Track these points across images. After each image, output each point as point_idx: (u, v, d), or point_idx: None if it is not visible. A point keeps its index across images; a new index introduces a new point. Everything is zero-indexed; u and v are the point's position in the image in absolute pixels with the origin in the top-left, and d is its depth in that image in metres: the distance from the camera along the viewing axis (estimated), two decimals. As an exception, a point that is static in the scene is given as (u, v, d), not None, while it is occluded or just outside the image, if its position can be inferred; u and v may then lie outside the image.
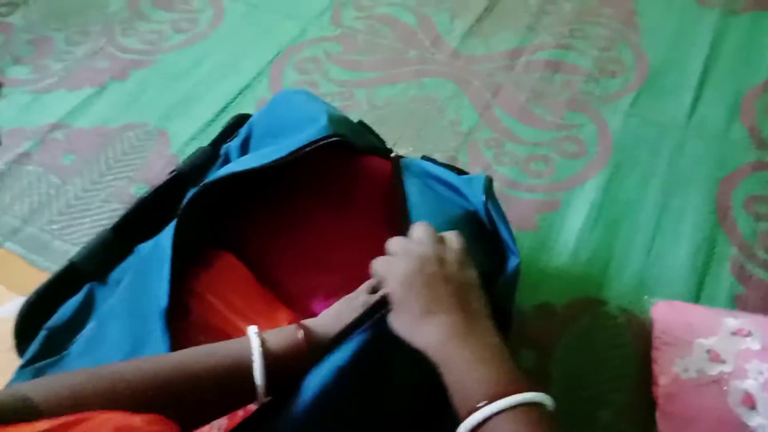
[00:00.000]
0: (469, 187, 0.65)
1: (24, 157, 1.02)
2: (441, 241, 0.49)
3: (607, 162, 0.99)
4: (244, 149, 0.74)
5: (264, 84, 1.14)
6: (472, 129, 1.05)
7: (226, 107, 1.10)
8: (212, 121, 1.08)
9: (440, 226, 0.53)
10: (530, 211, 0.93)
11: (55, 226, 0.92)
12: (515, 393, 0.40)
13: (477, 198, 0.64)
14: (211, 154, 0.77)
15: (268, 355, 0.45)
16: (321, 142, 0.62)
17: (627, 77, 1.13)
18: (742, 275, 0.85)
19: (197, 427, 0.45)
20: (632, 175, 0.97)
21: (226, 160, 0.77)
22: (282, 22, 1.27)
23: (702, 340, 0.75)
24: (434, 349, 0.44)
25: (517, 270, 0.61)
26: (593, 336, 0.80)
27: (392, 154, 0.70)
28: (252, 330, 0.47)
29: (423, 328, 0.45)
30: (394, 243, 0.50)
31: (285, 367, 0.46)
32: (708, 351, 0.74)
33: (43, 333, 0.61)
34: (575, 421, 0.73)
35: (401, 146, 1.02)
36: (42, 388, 0.37)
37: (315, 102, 0.74)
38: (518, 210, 0.93)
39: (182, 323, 0.59)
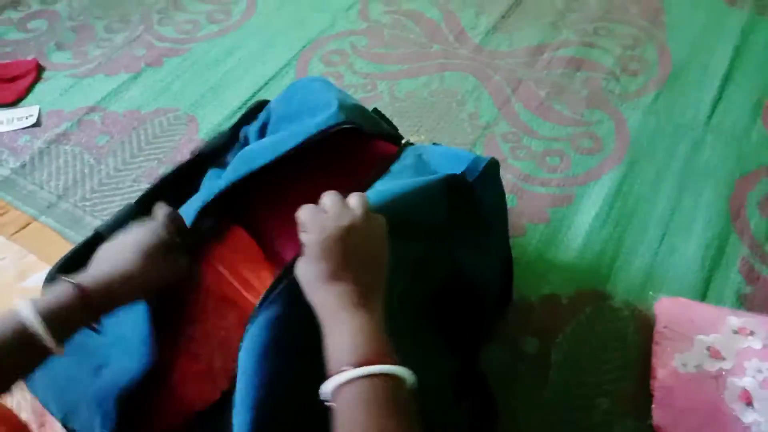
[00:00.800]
0: (456, 160, 0.67)
1: (62, 137, 1.08)
2: (346, 206, 0.52)
3: (622, 159, 1.00)
4: (261, 133, 0.78)
5: (290, 74, 1.18)
6: (490, 123, 1.07)
7: (253, 96, 1.14)
8: (239, 108, 1.12)
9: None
10: (543, 205, 0.95)
11: (87, 203, 0.98)
12: (378, 364, 0.43)
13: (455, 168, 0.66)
14: (230, 138, 0.80)
15: (41, 310, 0.49)
16: (331, 130, 0.65)
17: (649, 75, 1.13)
18: (750, 275, 0.85)
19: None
20: (647, 172, 0.98)
21: (245, 143, 0.80)
22: (311, 15, 1.31)
23: (703, 337, 0.76)
24: (326, 313, 0.48)
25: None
26: (596, 327, 0.81)
27: (402, 141, 0.72)
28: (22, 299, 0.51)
29: (323, 291, 0.49)
30: (306, 210, 0.53)
31: (61, 318, 0.50)
32: (708, 348, 0.75)
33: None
34: (575, 406, 0.74)
35: (417, 136, 1.04)
36: None
37: (329, 89, 0.77)
38: (531, 203, 0.95)
39: (194, 290, 0.64)
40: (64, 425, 0.64)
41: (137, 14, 1.32)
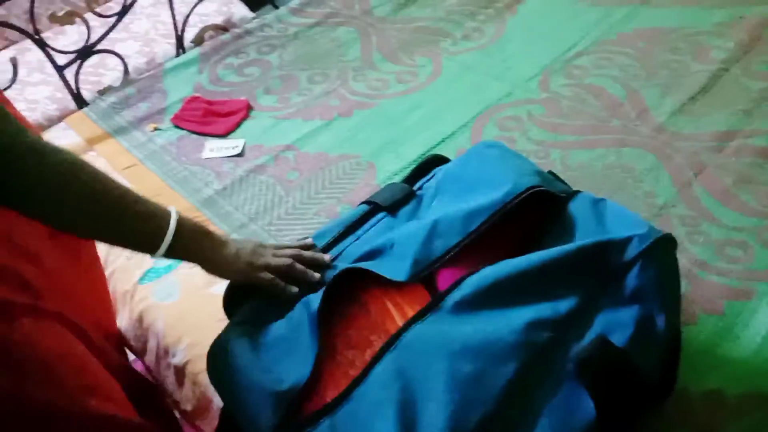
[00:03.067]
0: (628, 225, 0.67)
1: (260, 168, 1.22)
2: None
3: (816, 259, 0.92)
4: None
5: (466, 135, 1.24)
6: (667, 203, 1.04)
7: (428, 150, 1.21)
8: (414, 161, 1.19)
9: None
10: (718, 295, 0.90)
11: (272, 228, 1.09)
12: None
13: (621, 233, 0.66)
14: (407, 192, 0.86)
15: (180, 226, 0.69)
16: (522, 196, 0.69)
17: None
18: None
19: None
20: None
21: (419, 204, 0.86)
22: (491, 83, 1.37)
23: None
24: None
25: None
26: (765, 435, 0.74)
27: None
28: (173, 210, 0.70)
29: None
30: None
31: (186, 246, 0.70)
32: None
33: (249, 305, 0.74)
34: None
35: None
36: None
37: (504, 157, 0.81)
38: (705, 291, 0.90)
39: (361, 318, 0.69)
40: (227, 413, 0.71)
41: (336, 70, 1.47)
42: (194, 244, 0.71)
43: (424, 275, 0.70)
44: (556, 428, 0.55)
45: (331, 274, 0.73)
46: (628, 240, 0.64)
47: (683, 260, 0.94)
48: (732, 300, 0.89)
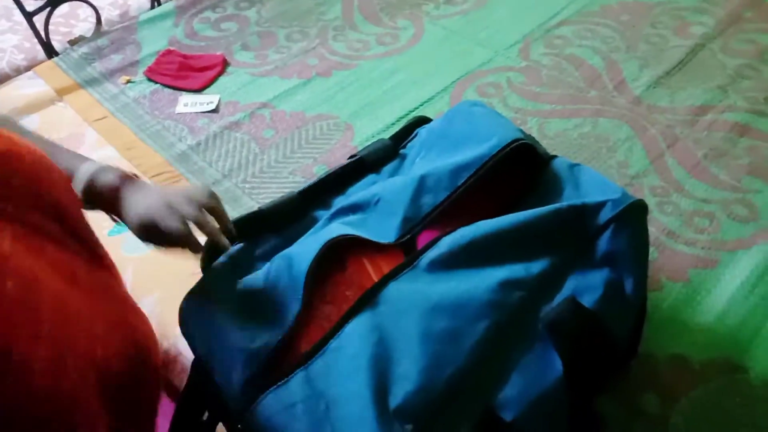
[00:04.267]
0: (602, 190, 0.67)
1: (234, 125, 1.20)
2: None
3: (780, 233, 0.94)
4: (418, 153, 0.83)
5: (445, 100, 1.24)
6: (639, 173, 1.05)
7: (407, 114, 1.21)
8: (393, 124, 1.18)
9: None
10: (684, 264, 0.92)
11: (247, 185, 1.08)
12: None
13: (595, 198, 0.66)
14: (392, 150, 0.86)
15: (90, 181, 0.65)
16: (508, 148, 0.69)
17: (823, 153, 1.06)
18: None
19: None
20: (807, 251, 0.92)
21: (402, 161, 0.85)
22: (473, 49, 1.37)
23: None
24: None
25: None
26: (726, 399, 0.77)
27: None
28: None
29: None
30: None
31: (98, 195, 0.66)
32: None
33: (225, 257, 0.73)
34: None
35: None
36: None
37: (489, 115, 0.80)
38: (671, 260, 0.92)
39: (337, 274, 0.69)
40: (201, 362, 0.70)
41: (316, 29, 1.45)
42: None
43: (415, 232, 0.70)
44: (525, 385, 0.56)
45: (321, 233, 0.73)
46: (602, 204, 0.65)
47: (652, 229, 0.96)
48: (697, 268, 0.91)
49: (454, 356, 0.56)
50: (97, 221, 1.00)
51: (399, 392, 0.54)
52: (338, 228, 0.71)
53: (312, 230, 0.75)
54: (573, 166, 0.73)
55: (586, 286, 0.63)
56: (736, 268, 0.90)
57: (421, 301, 0.59)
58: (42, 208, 0.43)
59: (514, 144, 0.70)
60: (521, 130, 0.77)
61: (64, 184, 0.48)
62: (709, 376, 0.79)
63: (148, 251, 0.96)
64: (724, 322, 0.85)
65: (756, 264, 0.91)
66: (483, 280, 0.60)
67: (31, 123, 1.23)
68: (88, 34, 1.49)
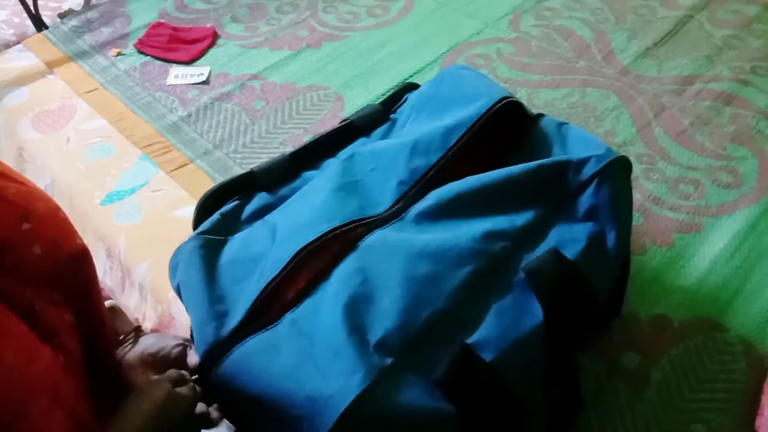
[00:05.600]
0: (587, 147, 0.69)
1: (225, 96, 1.20)
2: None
3: (761, 199, 0.96)
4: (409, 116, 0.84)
5: (435, 71, 1.24)
6: (626, 142, 1.06)
7: (397, 85, 1.20)
8: (383, 94, 1.19)
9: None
10: (668, 229, 0.93)
11: (238, 155, 1.08)
12: None
13: (580, 154, 0.68)
14: (382, 114, 0.87)
15: None
16: (497, 106, 0.71)
17: (806, 121, 1.08)
18: None
19: None
20: (788, 215, 0.94)
21: (392, 125, 0.87)
22: (463, 21, 1.37)
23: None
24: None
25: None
26: (704, 355, 0.79)
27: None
28: None
29: None
30: None
31: None
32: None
33: (217, 215, 0.74)
34: (667, 428, 0.73)
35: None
36: None
37: (478, 77, 0.81)
38: (656, 225, 0.94)
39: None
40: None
41: (306, 0, 1.44)
42: None
43: (410, 195, 0.71)
44: (502, 328, 0.58)
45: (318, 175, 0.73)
46: (586, 160, 0.66)
47: (638, 195, 0.97)
48: (681, 233, 0.93)
49: (435, 298, 0.58)
50: (89, 192, 1.02)
51: (379, 328, 0.55)
52: (331, 198, 0.72)
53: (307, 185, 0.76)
54: (561, 125, 0.75)
55: (569, 239, 0.65)
56: (719, 233, 0.92)
57: (405, 248, 0.60)
58: None
59: (503, 102, 0.71)
60: (510, 92, 0.79)
61: None
62: (689, 335, 0.81)
63: (140, 219, 0.98)
64: (705, 284, 0.87)
65: (738, 229, 0.93)
66: (467, 230, 0.62)
67: (21, 95, 1.23)
68: (78, 8, 1.49)
